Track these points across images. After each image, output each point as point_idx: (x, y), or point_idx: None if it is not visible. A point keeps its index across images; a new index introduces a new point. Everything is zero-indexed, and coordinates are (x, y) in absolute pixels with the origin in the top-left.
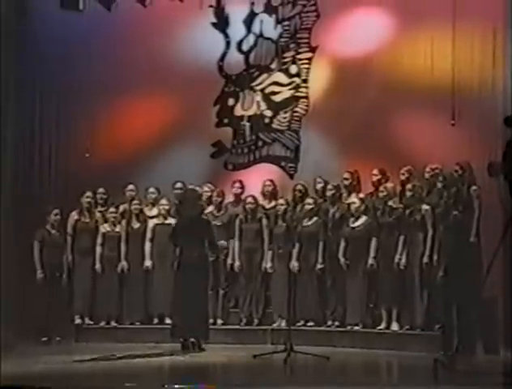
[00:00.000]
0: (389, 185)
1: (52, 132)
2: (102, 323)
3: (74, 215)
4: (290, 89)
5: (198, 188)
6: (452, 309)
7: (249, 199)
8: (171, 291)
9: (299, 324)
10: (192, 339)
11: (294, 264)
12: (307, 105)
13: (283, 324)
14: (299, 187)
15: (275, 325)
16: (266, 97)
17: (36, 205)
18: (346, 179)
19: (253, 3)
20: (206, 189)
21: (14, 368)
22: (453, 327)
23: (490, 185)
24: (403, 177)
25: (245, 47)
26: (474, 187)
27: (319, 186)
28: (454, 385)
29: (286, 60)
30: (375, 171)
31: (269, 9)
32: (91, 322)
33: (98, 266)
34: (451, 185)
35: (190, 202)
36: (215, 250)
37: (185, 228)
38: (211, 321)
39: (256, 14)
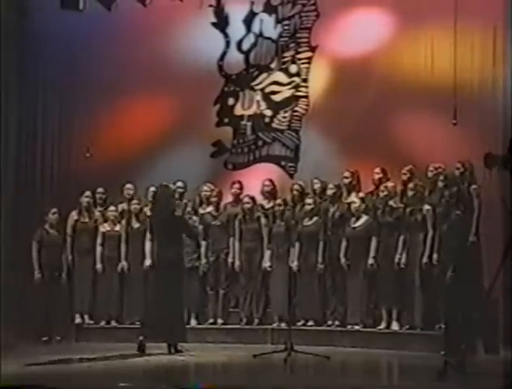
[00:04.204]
0: (390, 184)
1: (53, 132)
2: (102, 323)
3: (73, 216)
4: (290, 88)
5: (170, 185)
6: (452, 309)
7: (246, 199)
8: None
9: (299, 324)
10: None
11: (294, 264)
12: (307, 105)
13: (284, 324)
14: (296, 187)
15: (275, 324)
16: (266, 97)
17: (37, 205)
18: (346, 178)
19: (252, 3)
20: (205, 188)
21: (15, 368)
22: (453, 327)
23: (490, 183)
24: (404, 177)
25: (244, 46)
26: (474, 186)
27: (316, 187)
28: (456, 385)
29: (286, 59)
30: (377, 169)
31: (269, 8)
32: (92, 322)
33: (98, 266)
34: (452, 185)
35: (163, 199)
36: (195, 240)
37: (160, 227)
38: (211, 320)
39: (256, 13)
